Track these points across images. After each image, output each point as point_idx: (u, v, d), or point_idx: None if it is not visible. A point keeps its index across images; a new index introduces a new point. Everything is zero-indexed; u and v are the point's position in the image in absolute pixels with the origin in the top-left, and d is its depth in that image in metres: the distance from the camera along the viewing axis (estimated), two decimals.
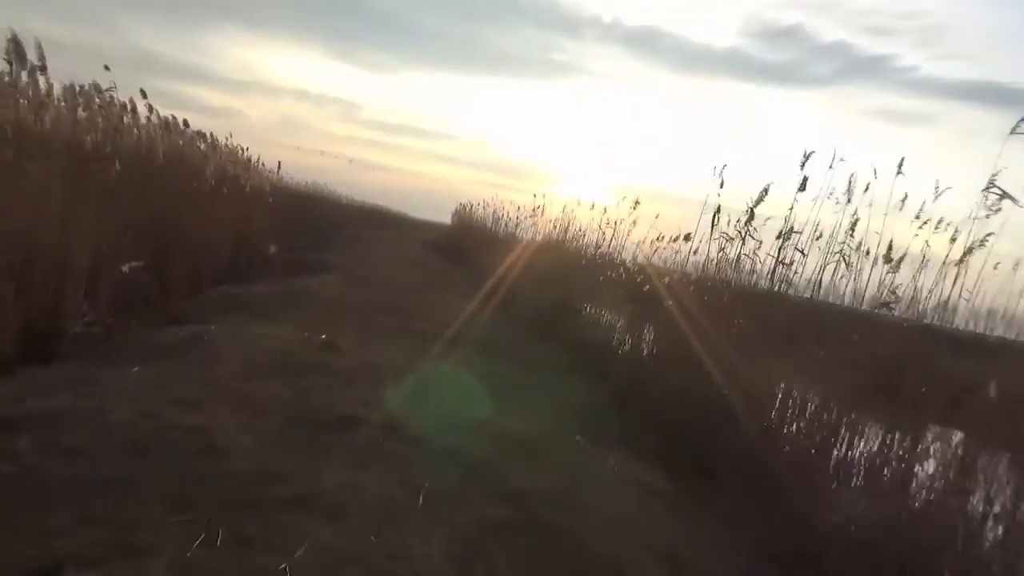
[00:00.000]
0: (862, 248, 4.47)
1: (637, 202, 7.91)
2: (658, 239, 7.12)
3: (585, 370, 6.40)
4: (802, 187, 4.78)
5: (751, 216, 5.23)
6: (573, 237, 10.17)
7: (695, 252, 6.08)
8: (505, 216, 15.31)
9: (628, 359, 6.40)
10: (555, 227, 10.78)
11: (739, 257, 5.34)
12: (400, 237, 25.69)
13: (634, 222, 7.84)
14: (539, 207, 11.91)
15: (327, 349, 5.16)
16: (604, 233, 8.49)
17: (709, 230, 5.65)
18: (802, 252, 4.86)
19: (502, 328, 7.78)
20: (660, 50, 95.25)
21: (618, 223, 8.14)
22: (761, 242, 5.23)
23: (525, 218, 13.00)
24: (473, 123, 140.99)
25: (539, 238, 11.71)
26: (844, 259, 4.55)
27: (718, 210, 5.57)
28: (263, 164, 14.28)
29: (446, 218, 35.10)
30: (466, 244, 17.28)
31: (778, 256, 4.98)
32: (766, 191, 5.12)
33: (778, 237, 4.95)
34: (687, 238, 6.22)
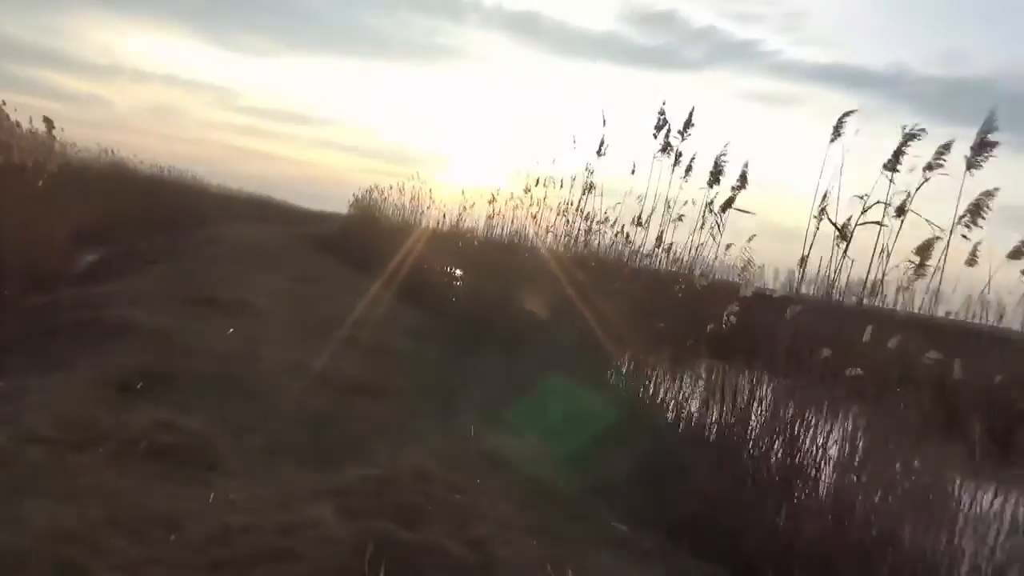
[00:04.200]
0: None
1: None
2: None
3: None
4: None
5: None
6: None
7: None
8: (430, 206, 11.19)
9: None
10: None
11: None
12: (284, 236, 20.50)
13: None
14: (496, 194, 9.13)
15: None
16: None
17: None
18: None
19: None
20: (540, 34, 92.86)
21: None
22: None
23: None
24: (357, 109, 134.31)
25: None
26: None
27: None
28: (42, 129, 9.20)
29: (336, 207, 30.35)
30: (377, 244, 12.77)
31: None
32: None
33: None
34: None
